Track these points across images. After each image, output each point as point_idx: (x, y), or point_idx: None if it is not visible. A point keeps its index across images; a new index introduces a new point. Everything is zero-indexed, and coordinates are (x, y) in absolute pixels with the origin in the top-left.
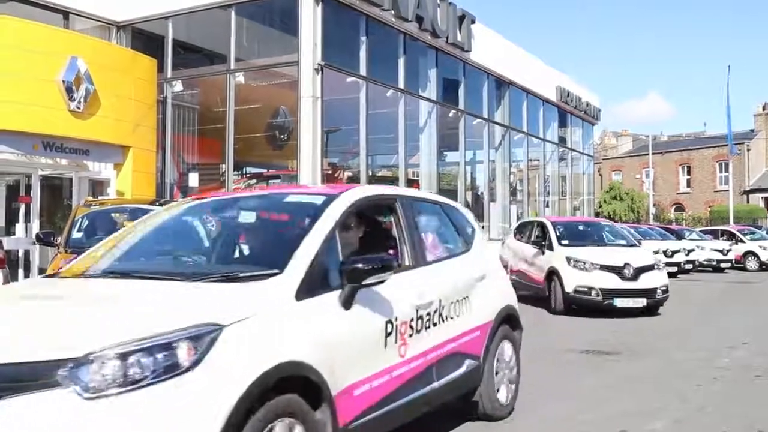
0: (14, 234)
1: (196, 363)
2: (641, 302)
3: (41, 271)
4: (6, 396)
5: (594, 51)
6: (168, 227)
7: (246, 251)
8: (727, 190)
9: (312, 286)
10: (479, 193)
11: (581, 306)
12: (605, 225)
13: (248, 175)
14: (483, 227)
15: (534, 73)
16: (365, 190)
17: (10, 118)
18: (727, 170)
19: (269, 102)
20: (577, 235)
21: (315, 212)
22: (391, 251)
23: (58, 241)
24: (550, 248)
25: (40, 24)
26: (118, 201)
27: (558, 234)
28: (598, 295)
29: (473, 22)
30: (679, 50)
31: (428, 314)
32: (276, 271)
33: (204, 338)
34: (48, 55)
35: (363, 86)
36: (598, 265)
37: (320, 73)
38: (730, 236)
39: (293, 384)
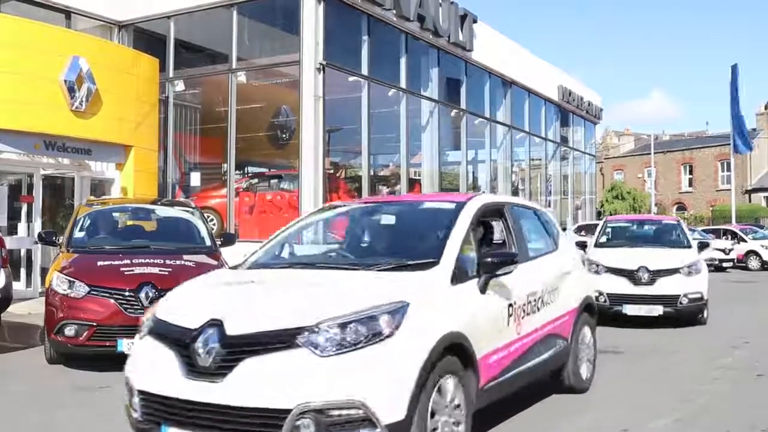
0: (17, 233)
1: (395, 329)
2: (657, 310)
3: (43, 270)
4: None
5: (598, 50)
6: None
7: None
8: (729, 190)
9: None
10: (481, 192)
11: None
12: (671, 224)
13: (250, 175)
14: None
15: (536, 72)
16: (484, 198)
17: (11, 118)
18: (729, 169)
19: (271, 101)
20: (626, 236)
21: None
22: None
23: (60, 241)
24: (585, 249)
25: (41, 23)
26: (120, 201)
27: (605, 235)
28: (605, 301)
29: (475, 21)
30: (684, 50)
31: (534, 300)
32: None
33: (398, 312)
34: (50, 55)
35: (365, 85)
36: (605, 267)
37: (322, 72)
38: (733, 236)
39: (454, 349)
